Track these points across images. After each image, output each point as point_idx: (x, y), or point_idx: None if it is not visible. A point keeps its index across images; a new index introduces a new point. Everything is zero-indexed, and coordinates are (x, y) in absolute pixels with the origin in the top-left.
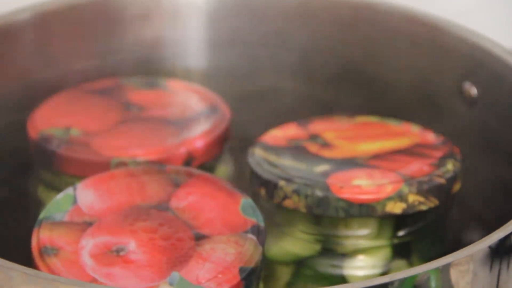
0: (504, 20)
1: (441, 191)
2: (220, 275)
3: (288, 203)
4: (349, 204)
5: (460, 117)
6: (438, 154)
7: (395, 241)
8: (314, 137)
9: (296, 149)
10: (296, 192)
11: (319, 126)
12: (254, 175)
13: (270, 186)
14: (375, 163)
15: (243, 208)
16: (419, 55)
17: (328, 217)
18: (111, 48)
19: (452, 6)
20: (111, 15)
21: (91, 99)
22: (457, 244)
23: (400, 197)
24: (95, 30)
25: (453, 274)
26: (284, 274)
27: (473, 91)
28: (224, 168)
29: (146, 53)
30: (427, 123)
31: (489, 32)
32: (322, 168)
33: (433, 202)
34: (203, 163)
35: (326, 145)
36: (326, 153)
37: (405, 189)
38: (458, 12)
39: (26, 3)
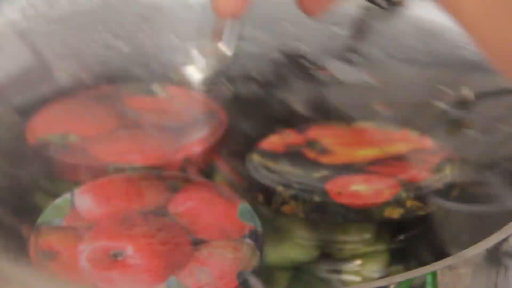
0: None
1: (439, 196)
2: (217, 280)
3: (286, 208)
4: (347, 209)
5: (458, 123)
6: (436, 159)
7: (393, 246)
8: (312, 143)
9: (294, 155)
10: (294, 197)
11: (317, 132)
12: (252, 181)
13: (268, 192)
14: (373, 168)
15: (241, 214)
16: (416, 60)
17: (326, 222)
18: (109, 54)
19: None
20: (109, 20)
21: (89, 106)
22: (455, 248)
23: (398, 202)
24: (93, 36)
25: (451, 277)
26: (282, 279)
27: (471, 96)
28: (222, 174)
29: (144, 59)
30: (424, 129)
31: None
32: (320, 173)
33: (431, 207)
34: (201, 169)
35: (324, 151)
36: (324, 159)
37: (403, 194)
38: None
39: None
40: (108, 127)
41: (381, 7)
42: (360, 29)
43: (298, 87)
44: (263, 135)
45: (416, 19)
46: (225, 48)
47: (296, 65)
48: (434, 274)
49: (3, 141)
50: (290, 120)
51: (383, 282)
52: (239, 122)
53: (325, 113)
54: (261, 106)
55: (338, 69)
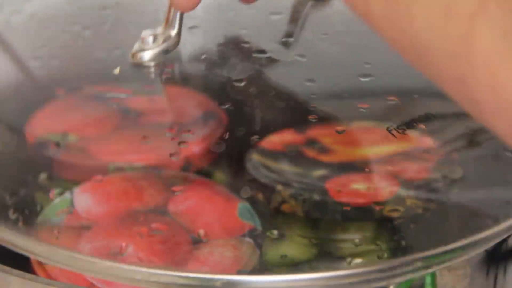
0: None
1: (438, 195)
2: None
3: (285, 207)
4: (347, 207)
5: (457, 122)
6: (436, 158)
7: (393, 244)
8: (311, 142)
9: (294, 154)
10: (294, 196)
11: (316, 131)
12: (252, 180)
13: (268, 191)
14: (372, 167)
15: (240, 212)
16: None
17: (325, 221)
18: (108, 53)
19: None
20: (109, 19)
21: (88, 105)
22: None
23: (398, 200)
24: (92, 35)
25: (450, 278)
26: None
27: None
28: (221, 173)
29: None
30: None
31: None
32: (319, 172)
33: (430, 206)
34: (201, 168)
35: (323, 150)
36: (324, 157)
37: (402, 192)
38: None
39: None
40: (108, 127)
41: None
42: (295, 16)
43: (240, 67)
44: (263, 134)
45: (343, 7)
46: (175, 34)
47: (239, 48)
48: (433, 275)
49: (3, 141)
50: (289, 120)
51: (383, 282)
52: (239, 122)
53: (263, 87)
54: (261, 106)
55: (275, 51)
